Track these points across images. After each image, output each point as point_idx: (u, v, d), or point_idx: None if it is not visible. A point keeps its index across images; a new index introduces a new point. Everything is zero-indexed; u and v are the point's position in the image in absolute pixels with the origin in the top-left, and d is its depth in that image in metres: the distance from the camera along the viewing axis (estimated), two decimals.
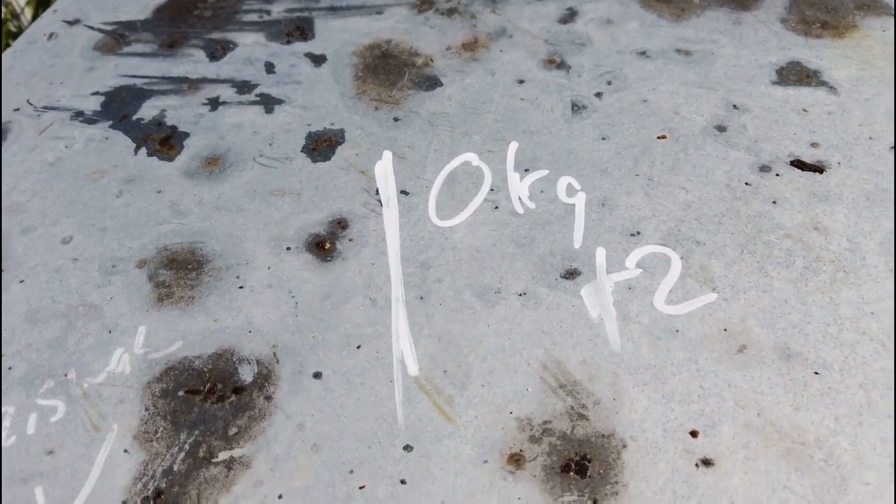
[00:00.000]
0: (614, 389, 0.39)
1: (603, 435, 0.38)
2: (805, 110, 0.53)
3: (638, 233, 0.46)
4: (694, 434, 0.37)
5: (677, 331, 0.41)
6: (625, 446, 0.37)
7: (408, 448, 0.38)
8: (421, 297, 0.44)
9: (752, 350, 0.40)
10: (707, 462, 0.36)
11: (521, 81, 0.58)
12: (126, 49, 0.65)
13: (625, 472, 0.36)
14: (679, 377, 0.39)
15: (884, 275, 0.43)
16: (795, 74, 0.56)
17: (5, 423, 0.40)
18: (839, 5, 0.62)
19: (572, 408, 0.39)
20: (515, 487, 0.36)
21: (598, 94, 0.56)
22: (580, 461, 0.37)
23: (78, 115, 0.59)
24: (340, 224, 0.49)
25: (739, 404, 0.38)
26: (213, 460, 0.38)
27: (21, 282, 0.47)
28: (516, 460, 0.37)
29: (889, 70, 0.56)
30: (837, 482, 0.35)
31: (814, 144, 0.51)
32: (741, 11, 0.62)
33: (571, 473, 0.36)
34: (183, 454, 0.38)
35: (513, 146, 0.53)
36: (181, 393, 0.41)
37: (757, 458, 0.36)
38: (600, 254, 0.45)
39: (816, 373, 0.39)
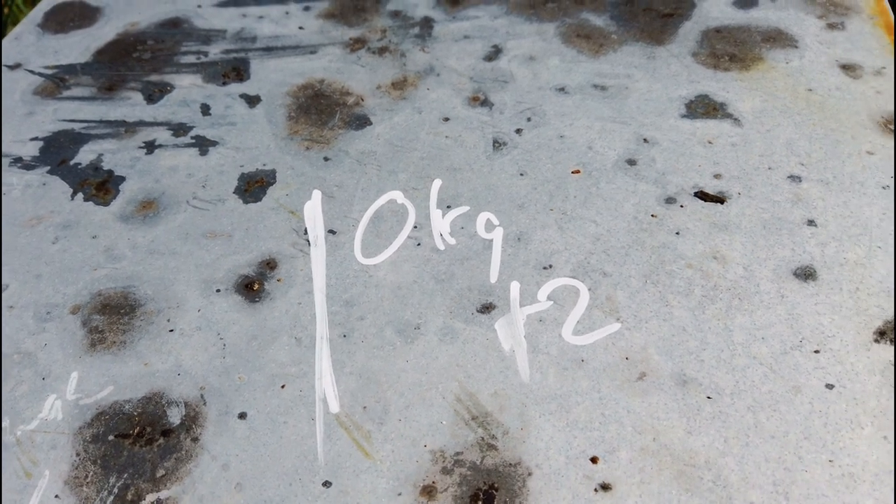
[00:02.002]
0: (522, 419, 0.42)
1: (510, 464, 0.40)
2: (710, 142, 0.56)
3: (550, 266, 0.49)
4: (594, 460, 0.40)
5: (583, 360, 0.44)
6: (530, 474, 0.40)
7: (327, 484, 0.40)
8: (344, 335, 0.47)
9: (650, 377, 0.43)
10: (605, 487, 0.39)
11: (447, 119, 0.61)
12: (65, 93, 0.67)
13: (529, 499, 0.39)
14: (582, 405, 0.42)
15: (775, 300, 0.46)
16: (703, 107, 0.59)
17: None
18: (747, 38, 0.66)
19: (482, 439, 0.41)
20: None
21: (518, 131, 0.59)
22: (488, 490, 0.39)
23: (17, 160, 0.61)
24: (269, 265, 0.51)
25: (637, 430, 0.41)
26: (140, 503, 0.40)
27: None
28: (429, 492, 0.39)
29: (790, 101, 0.59)
30: (724, 501, 0.38)
31: (717, 175, 0.54)
32: (656, 46, 0.66)
33: (479, 503, 0.39)
34: (112, 498, 0.40)
35: (436, 183, 0.55)
36: (111, 437, 0.43)
37: (651, 482, 0.39)
38: (514, 287, 0.48)
39: (709, 397, 0.42)
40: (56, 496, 0.40)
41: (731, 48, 0.65)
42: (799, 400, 0.41)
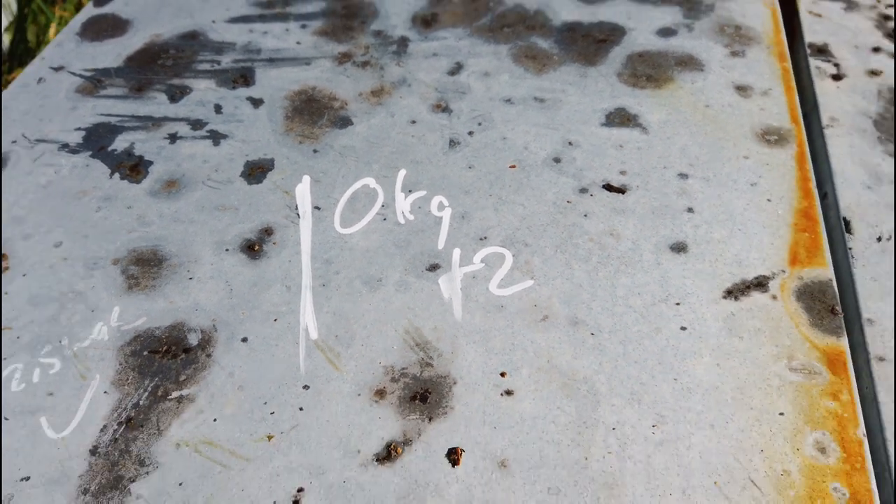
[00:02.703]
0: (453, 346, 0.56)
1: (441, 376, 0.54)
2: (621, 146, 0.71)
3: (485, 238, 0.64)
4: (503, 374, 0.54)
5: (502, 306, 0.59)
6: (455, 383, 0.54)
7: (306, 387, 0.54)
8: (323, 285, 0.61)
9: (551, 319, 0.57)
10: (509, 392, 0.53)
11: (414, 122, 0.75)
12: (102, 92, 0.81)
13: (453, 399, 0.53)
14: (498, 337, 0.57)
15: (653, 267, 0.60)
16: (619, 118, 0.74)
17: (16, 376, 0.56)
18: (663, 62, 0.80)
19: (422, 359, 0.56)
20: (378, 410, 0.53)
21: (471, 133, 0.73)
22: (423, 393, 0.53)
23: (64, 146, 0.75)
24: (267, 232, 0.65)
25: (536, 355, 0.55)
26: (167, 397, 0.54)
27: (24, 275, 0.63)
28: (380, 393, 0.54)
29: (689, 115, 0.74)
30: (593, 403, 0.52)
31: (622, 172, 0.69)
32: (588, 66, 0.80)
33: (416, 401, 0.53)
34: (146, 393, 0.54)
35: (402, 173, 0.70)
36: (145, 353, 0.57)
37: (543, 390, 0.53)
38: (456, 253, 0.62)
39: (592, 334, 0.56)
40: (105, 392, 0.54)
41: (649, 70, 0.79)
42: (659, 337, 0.56)
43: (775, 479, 0.48)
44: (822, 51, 0.82)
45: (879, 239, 0.64)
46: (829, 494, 0.47)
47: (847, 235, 0.64)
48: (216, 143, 0.74)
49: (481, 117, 0.75)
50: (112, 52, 0.87)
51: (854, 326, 0.58)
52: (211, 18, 0.91)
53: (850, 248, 0.63)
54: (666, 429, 0.51)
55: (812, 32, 0.84)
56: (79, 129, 0.77)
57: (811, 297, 0.58)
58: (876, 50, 0.82)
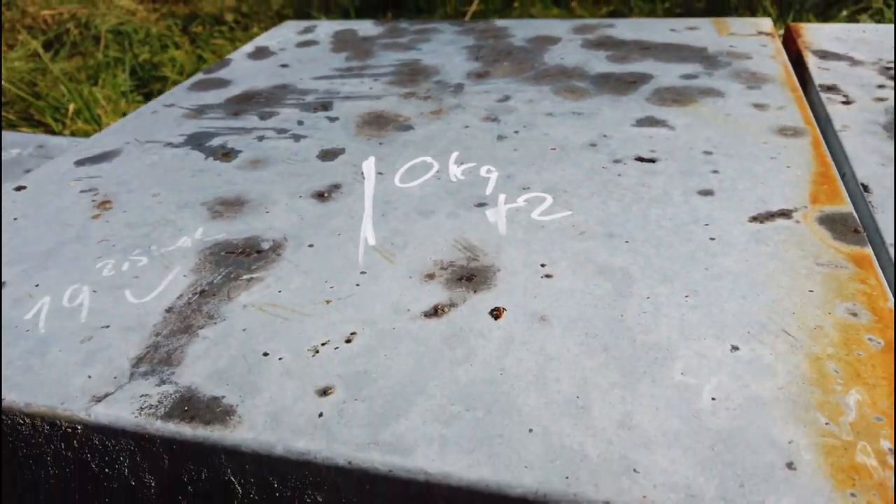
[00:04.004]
0: (497, 249, 0.61)
1: (486, 266, 0.59)
2: (651, 137, 0.80)
3: (528, 188, 0.71)
4: (543, 265, 0.59)
5: (543, 227, 0.64)
6: (499, 270, 0.59)
7: (363, 273, 0.60)
8: (383, 215, 0.68)
9: (588, 233, 0.63)
10: (549, 276, 0.57)
11: (467, 126, 0.86)
12: (204, 116, 0.96)
13: (497, 280, 0.57)
14: (539, 244, 0.62)
15: (682, 203, 0.66)
16: (648, 122, 0.84)
17: (107, 267, 0.63)
18: (687, 92, 0.92)
19: (469, 256, 0.61)
20: (428, 286, 0.57)
21: (516, 132, 0.84)
22: (469, 275, 0.58)
23: (168, 144, 0.88)
24: (336, 187, 0.74)
25: (574, 254, 0.60)
26: (239, 278, 0.60)
27: (124, 212, 0.72)
28: (430, 276, 0.59)
29: (711, 119, 0.83)
30: (627, 282, 0.56)
31: (652, 150, 0.77)
32: (620, 96, 0.92)
33: (463, 280, 0.58)
34: (220, 276, 0.60)
35: (455, 154, 0.79)
36: (223, 253, 0.64)
37: (580, 274, 0.57)
38: (501, 197, 0.70)
39: (626, 241, 0.61)
40: (184, 276, 0.61)
41: (675, 96, 0.90)
42: (689, 244, 0.60)
43: (808, 331, 0.50)
44: (831, 88, 0.92)
45: None
46: (864, 342, 0.49)
47: (866, 194, 0.69)
48: (297, 141, 0.86)
49: (526, 123, 0.86)
50: (215, 96, 1.03)
51: (880, 253, 0.61)
52: (299, 77, 1.08)
53: (870, 202, 0.67)
54: (698, 298, 0.54)
55: (821, 78, 0.95)
56: (182, 135, 0.90)
57: (833, 223, 0.62)
58: (881, 87, 0.92)
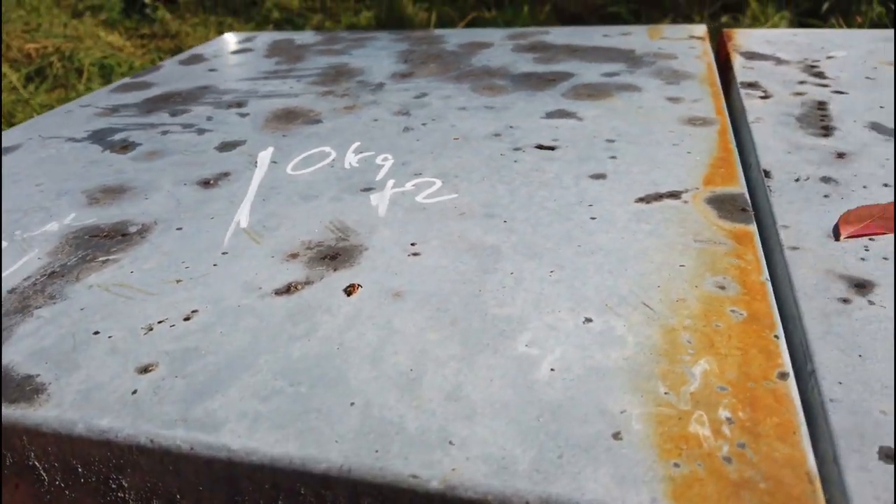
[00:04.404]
0: (371, 230, 0.59)
1: (354, 245, 0.56)
2: (557, 127, 0.78)
3: (420, 174, 0.69)
4: (413, 244, 0.56)
5: (424, 208, 0.62)
6: (366, 249, 0.56)
7: (224, 253, 0.57)
8: (263, 199, 0.66)
9: (468, 214, 0.60)
10: (416, 254, 0.55)
11: (376, 120, 0.84)
12: (116, 115, 0.94)
13: (361, 259, 0.55)
14: (415, 224, 0.59)
15: (572, 186, 0.64)
16: (558, 114, 0.82)
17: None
18: (604, 88, 0.90)
19: (339, 237, 0.58)
20: (288, 265, 0.54)
21: (424, 124, 0.82)
22: (334, 255, 0.55)
23: (70, 139, 0.86)
24: (225, 175, 0.72)
25: (449, 233, 0.57)
26: (94, 260, 0.57)
27: (3, 201, 0.69)
28: (293, 255, 0.56)
29: (623, 111, 0.81)
30: (494, 258, 0.53)
31: (554, 139, 0.74)
32: (537, 91, 0.90)
33: (326, 259, 0.55)
34: (76, 259, 0.57)
35: (355, 144, 0.77)
36: (86, 237, 0.61)
37: (449, 251, 0.54)
38: (390, 182, 0.67)
39: (505, 221, 0.59)
40: (38, 258, 0.58)
41: (591, 91, 0.89)
42: (568, 223, 0.58)
43: (670, 304, 0.47)
44: (752, 85, 0.91)
45: (798, 179, 0.66)
46: (726, 314, 0.46)
47: (766, 179, 0.67)
48: (200, 134, 0.84)
49: (436, 116, 0.84)
50: (134, 97, 1.01)
51: (770, 233, 0.58)
52: (224, 79, 1.07)
53: (768, 187, 0.65)
54: (563, 273, 0.51)
55: (744, 76, 0.94)
56: (87, 131, 0.88)
57: (721, 202, 0.60)
58: (801, 83, 0.90)
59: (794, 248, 0.56)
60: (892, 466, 0.35)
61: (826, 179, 0.66)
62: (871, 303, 0.49)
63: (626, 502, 0.33)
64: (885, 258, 0.54)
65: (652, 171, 0.66)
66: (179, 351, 0.45)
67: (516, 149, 0.73)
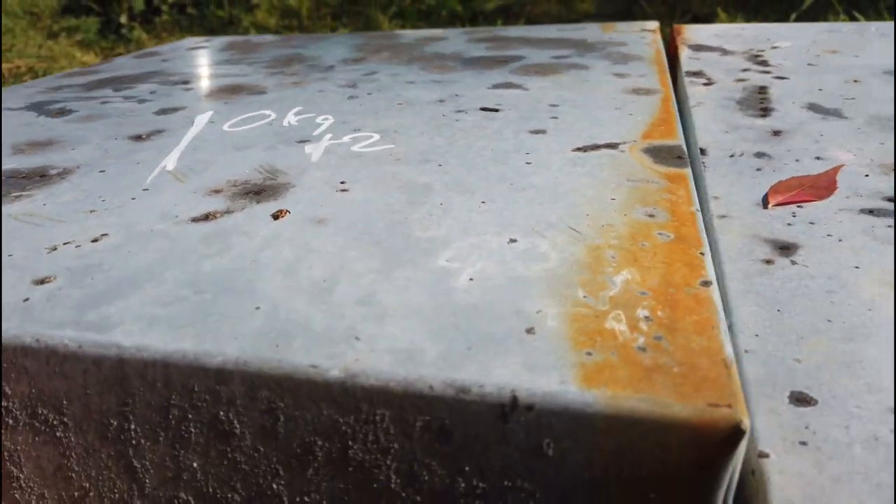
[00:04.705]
0: (302, 172, 0.57)
1: (282, 183, 0.55)
2: (502, 96, 0.77)
3: (359, 130, 0.67)
4: (343, 182, 0.54)
5: (359, 156, 0.60)
6: (294, 186, 0.54)
7: (145, 190, 0.55)
8: (195, 149, 0.64)
9: (402, 160, 0.59)
10: (345, 190, 0.53)
11: (321, 91, 0.83)
12: (59, 92, 0.92)
13: (287, 194, 0.53)
14: (348, 168, 0.58)
15: (512, 139, 0.63)
16: (505, 85, 0.82)
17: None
18: (553, 67, 0.90)
19: (268, 176, 0.56)
20: (210, 198, 0.52)
21: (370, 94, 0.81)
22: (260, 190, 0.53)
23: (7, 108, 0.83)
24: (158, 132, 0.70)
25: (383, 174, 0.56)
26: (7, 196, 0.54)
27: None
28: (217, 191, 0.54)
29: (569, 84, 0.81)
30: (425, 193, 0.52)
31: (498, 104, 0.74)
32: (486, 70, 0.90)
33: (250, 195, 0.53)
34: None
35: (297, 108, 0.76)
36: (4, 178, 0.58)
37: (379, 188, 0.53)
38: (327, 136, 0.66)
39: (440, 165, 0.57)
40: None
41: (539, 69, 0.89)
42: (503, 167, 0.57)
43: (597, 228, 0.46)
44: (696, 73, 0.92)
45: (732, 155, 0.66)
46: (653, 236, 0.45)
47: (702, 156, 0.67)
48: (140, 103, 0.82)
49: (383, 88, 0.83)
50: (80, 80, 0.99)
51: (701, 205, 0.58)
52: (174, 67, 1.05)
53: (703, 163, 0.65)
54: (493, 205, 0.50)
55: (689, 65, 0.95)
56: (27, 104, 0.86)
57: (658, 151, 0.59)
58: (745, 70, 0.92)
59: (723, 217, 0.55)
60: (802, 408, 0.33)
61: (760, 154, 0.66)
62: (793, 262, 0.48)
63: (535, 385, 0.31)
64: (812, 223, 0.54)
65: (592, 128, 0.66)
66: (81, 267, 0.43)
67: (459, 111, 0.72)
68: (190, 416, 0.35)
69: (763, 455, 0.31)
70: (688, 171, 0.55)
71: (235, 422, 0.35)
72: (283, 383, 0.33)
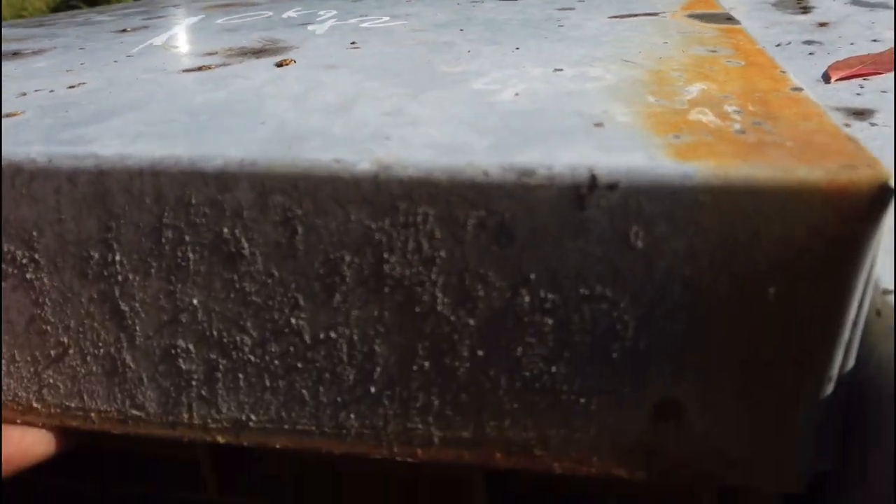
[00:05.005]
0: (305, 40, 0.51)
1: (283, 47, 0.48)
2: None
3: (366, 16, 0.61)
4: (353, 42, 0.48)
5: (368, 30, 0.54)
6: (297, 48, 0.48)
7: (129, 56, 0.48)
8: (185, 32, 0.57)
9: (419, 29, 0.52)
10: (356, 48, 0.47)
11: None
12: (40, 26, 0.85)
13: (291, 53, 0.46)
14: (359, 34, 0.51)
15: (534, 13, 0.57)
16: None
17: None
18: None
19: (268, 44, 0.50)
20: (203, 58, 0.46)
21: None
22: (259, 51, 0.47)
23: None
24: (144, 27, 0.63)
25: (399, 35, 0.49)
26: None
27: None
28: (211, 53, 0.47)
29: None
30: (448, 48, 0.45)
31: None
32: None
33: (248, 54, 0.46)
34: None
35: (297, 7, 0.69)
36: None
37: (394, 46, 0.47)
38: (332, 20, 0.59)
39: (461, 29, 0.51)
40: None
41: None
42: (533, 29, 0.50)
43: (654, 59, 0.40)
44: None
45: (779, 45, 0.61)
46: (720, 63, 0.38)
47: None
48: (126, 18, 0.75)
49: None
50: (68, 14, 0.92)
51: None
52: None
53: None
54: (528, 52, 0.43)
55: None
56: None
57: (704, 16, 0.53)
58: None
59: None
60: None
61: (809, 42, 0.61)
62: (872, 125, 0.43)
63: (613, 164, 0.25)
64: (884, 91, 0.48)
65: (627, 4, 0.59)
66: (55, 105, 0.36)
67: (475, 1, 0.66)
68: (187, 237, 0.29)
69: (887, 292, 0.25)
70: (743, 26, 0.49)
71: (243, 240, 0.28)
72: (300, 184, 0.27)
